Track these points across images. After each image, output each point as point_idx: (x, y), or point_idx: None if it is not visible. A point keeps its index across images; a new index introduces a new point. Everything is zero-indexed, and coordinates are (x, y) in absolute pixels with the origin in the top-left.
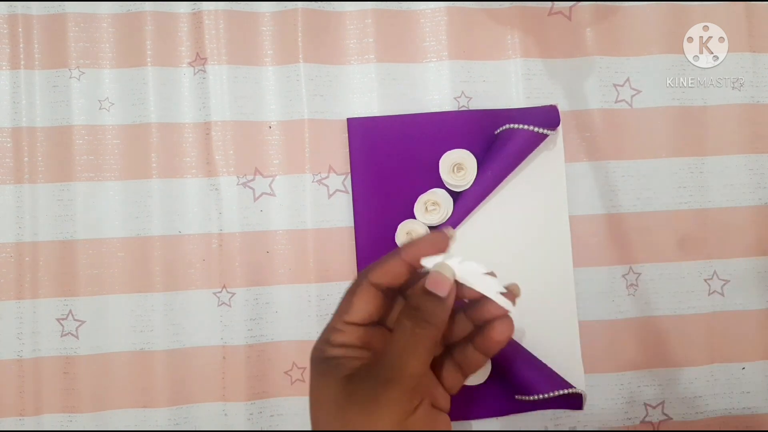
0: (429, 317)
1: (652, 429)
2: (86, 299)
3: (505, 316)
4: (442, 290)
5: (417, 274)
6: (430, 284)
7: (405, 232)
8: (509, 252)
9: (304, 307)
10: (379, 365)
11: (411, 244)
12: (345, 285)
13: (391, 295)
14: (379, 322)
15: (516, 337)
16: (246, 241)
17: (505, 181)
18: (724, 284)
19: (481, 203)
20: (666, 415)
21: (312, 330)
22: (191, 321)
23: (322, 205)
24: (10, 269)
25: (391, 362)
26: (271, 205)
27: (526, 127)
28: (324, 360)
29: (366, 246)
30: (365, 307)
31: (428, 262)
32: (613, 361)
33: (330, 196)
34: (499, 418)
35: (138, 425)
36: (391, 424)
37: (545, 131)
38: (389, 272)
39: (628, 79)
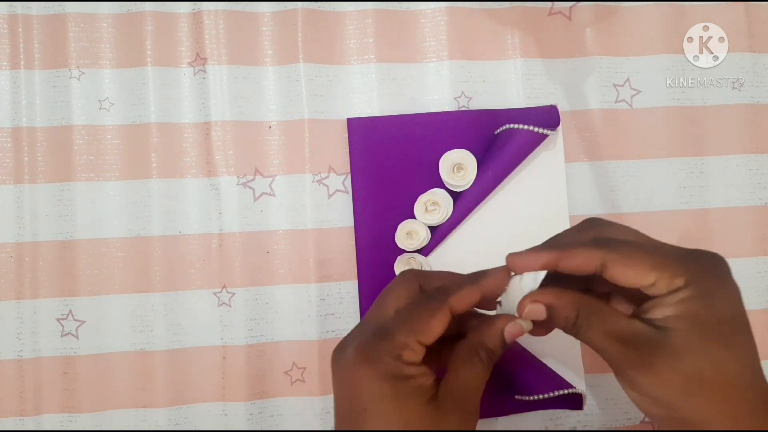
0: (494, 360)
1: (652, 429)
2: (86, 299)
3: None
4: (513, 339)
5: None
6: (509, 335)
7: (405, 232)
8: (509, 251)
9: (304, 307)
10: (452, 392)
11: (485, 275)
12: (345, 285)
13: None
14: None
15: None
16: (246, 241)
17: (505, 181)
18: None
19: (481, 203)
20: None
21: (312, 330)
22: (191, 321)
23: (322, 205)
24: (10, 269)
25: (462, 392)
26: (271, 205)
27: (526, 127)
28: (403, 378)
29: (366, 246)
30: (440, 330)
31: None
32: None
33: (330, 196)
34: (499, 418)
35: (138, 425)
36: None
37: (545, 131)
38: (468, 301)
39: (628, 79)
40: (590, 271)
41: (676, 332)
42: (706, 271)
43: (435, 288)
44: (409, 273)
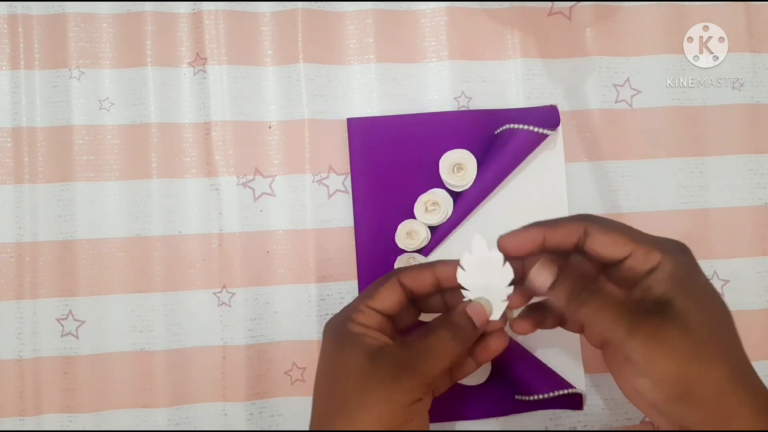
0: (463, 338)
1: (651, 429)
2: (86, 299)
3: (501, 329)
4: (480, 321)
5: (444, 291)
6: (472, 312)
7: (405, 232)
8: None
9: (304, 307)
10: (406, 353)
11: (446, 263)
12: (345, 285)
13: (410, 299)
14: (392, 318)
15: (516, 336)
16: (246, 241)
17: (505, 181)
18: (724, 284)
19: (482, 203)
20: None
21: (312, 330)
22: (191, 321)
23: (322, 205)
24: (10, 269)
25: (419, 356)
26: (271, 205)
27: (526, 127)
28: (347, 334)
29: (366, 246)
30: (389, 298)
31: (474, 291)
32: None
33: (330, 196)
34: (499, 418)
35: (138, 425)
36: (403, 404)
37: (545, 131)
38: (419, 279)
39: (627, 79)
40: (574, 242)
41: (676, 302)
42: (676, 248)
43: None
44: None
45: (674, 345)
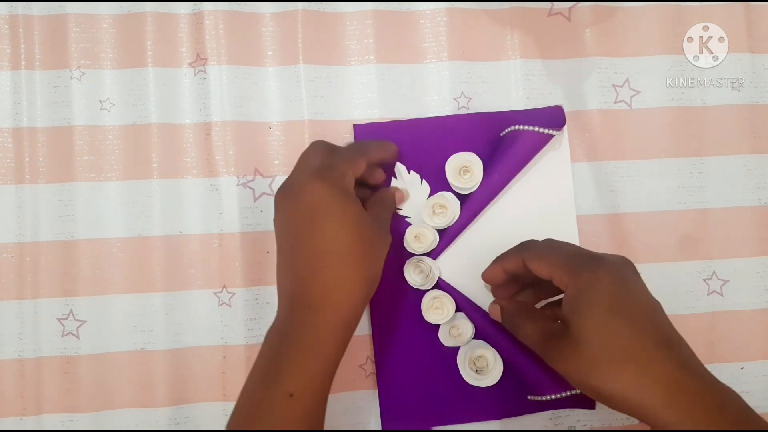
0: (389, 206)
1: (651, 429)
2: (87, 299)
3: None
4: (398, 201)
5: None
6: (395, 190)
7: (413, 235)
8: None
9: None
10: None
11: (373, 144)
12: None
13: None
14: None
15: None
16: (246, 241)
17: (511, 182)
18: (723, 284)
19: (489, 205)
20: None
21: None
22: (191, 321)
23: None
24: (11, 269)
25: (380, 217)
26: (271, 205)
27: (531, 128)
28: (348, 190)
29: None
30: (363, 168)
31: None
32: None
33: None
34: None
35: (138, 425)
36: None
37: (551, 132)
38: (378, 155)
39: (627, 80)
40: (521, 267)
41: (572, 324)
42: (581, 268)
43: (349, 147)
44: (319, 141)
45: (571, 362)
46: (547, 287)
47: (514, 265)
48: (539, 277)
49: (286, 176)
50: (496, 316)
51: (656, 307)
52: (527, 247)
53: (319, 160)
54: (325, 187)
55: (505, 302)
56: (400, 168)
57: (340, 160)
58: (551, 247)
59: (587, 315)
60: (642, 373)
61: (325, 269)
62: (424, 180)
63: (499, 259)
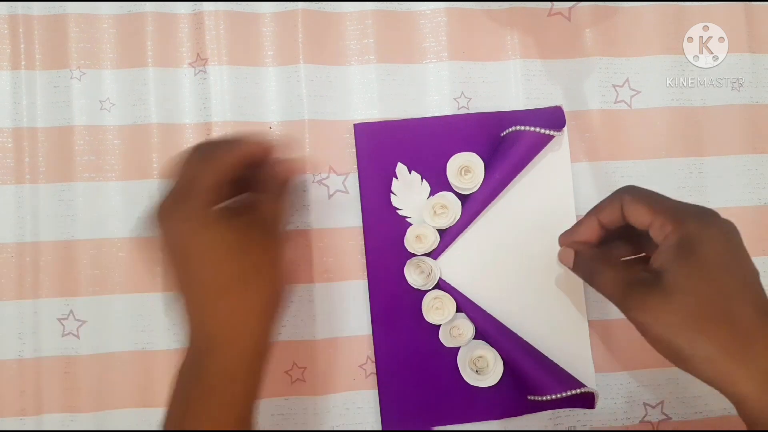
0: (278, 196)
1: (651, 429)
2: (87, 299)
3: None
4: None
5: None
6: (282, 172)
7: (414, 235)
8: (518, 253)
9: (304, 307)
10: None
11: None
12: (345, 285)
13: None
14: None
15: (527, 337)
16: None
17: (512, 182)
18: None
19: (489, 205)
20: (665, 414)
21: (312, 330)
22: None
23: (322, 205)
24: (11, 269)
25: (266, 217)
26: None
27: (531, 128)
28: (206, 217)
29: (375, 250)
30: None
31: (406, 209)
32: (613, 361)
33: (330, 196)
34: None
35: (138, 425)
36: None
37: (551, 132)
38: (249, 151)
39: (627, 80)
40: (618, 218)
41: (667, 274)
42: (691, 219)
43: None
44: (188, 150)
45: (658, 316)
46: (633, 243)
47: (611, 215)
48: (626, 231)
49: None
50: (568, 261)
51: (758, 276)
52: (627, 190)
53: (178, 181)
54: (178, 222)
55: (580, 245)
56: (400, 168)
57: (199, 173)
58: (653, 193)
59: (692, 266)
60: (735, 338)
61: (208, 306)
62: (424, 180)
63: (594, 211)
